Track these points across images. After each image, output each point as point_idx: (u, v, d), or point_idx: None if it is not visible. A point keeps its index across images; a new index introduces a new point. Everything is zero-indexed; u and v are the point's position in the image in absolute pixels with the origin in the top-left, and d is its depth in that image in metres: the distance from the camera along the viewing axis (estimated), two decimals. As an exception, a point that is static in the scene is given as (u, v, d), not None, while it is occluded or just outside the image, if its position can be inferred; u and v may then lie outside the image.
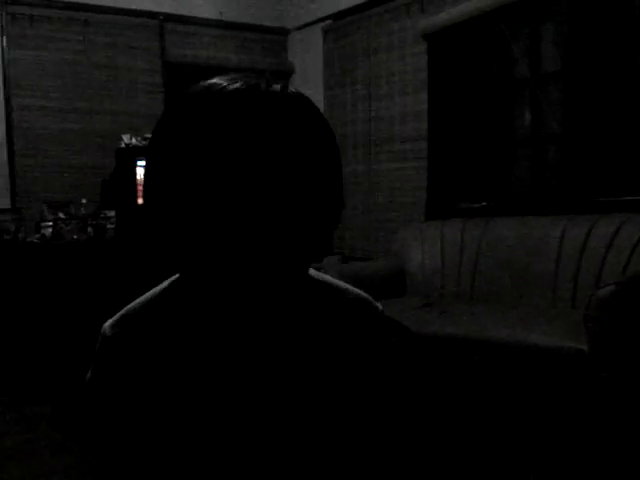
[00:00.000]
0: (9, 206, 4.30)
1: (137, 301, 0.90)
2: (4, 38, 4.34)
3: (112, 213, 4.35)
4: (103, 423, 0.90)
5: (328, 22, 4.94)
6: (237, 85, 0.76)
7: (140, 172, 4.32)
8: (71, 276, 3.94)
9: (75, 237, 4.19)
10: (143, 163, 4.29)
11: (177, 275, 0.90)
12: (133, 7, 4.72)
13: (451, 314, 3.17)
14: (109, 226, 4.30)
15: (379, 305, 0.95)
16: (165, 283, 0.90)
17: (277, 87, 0.76)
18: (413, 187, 4.35)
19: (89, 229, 4.27)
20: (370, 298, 0.95)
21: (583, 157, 3.55)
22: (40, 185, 4.47)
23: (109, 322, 0.90)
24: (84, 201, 4.38)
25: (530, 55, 3.86)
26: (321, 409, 0.88)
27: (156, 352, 0.85)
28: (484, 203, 4.00)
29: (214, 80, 0.78)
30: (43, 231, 4.15)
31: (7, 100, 4.37)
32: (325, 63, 5.00)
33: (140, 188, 4.31)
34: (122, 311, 0.90)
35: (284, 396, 0.86)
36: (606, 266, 3.06)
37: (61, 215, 4.29)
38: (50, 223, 4.19)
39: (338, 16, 4.84)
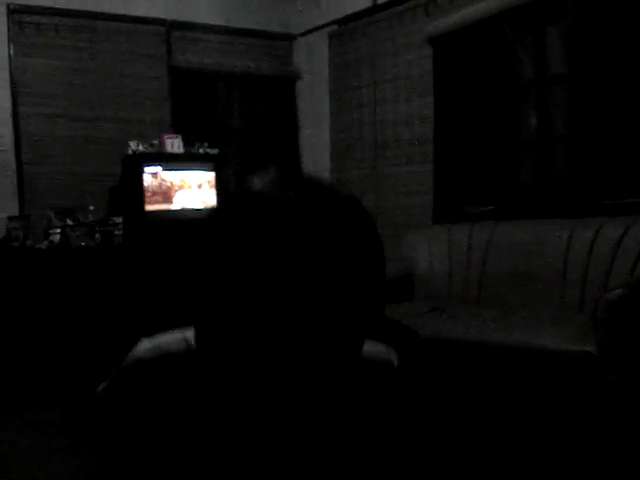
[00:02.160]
0: (17, 213, 4.31)
1: (180, 333, 0.87)
2: (11, 46, 4.37)
3: (119, 220, 4.36)
4: (109, 444, 0.89)
5: (333, 27, 4.95)
6: (279, 196, 0.74)
7: (146, 178, 4.33)
8: (79, 282, 3.96)
9: (83, 244, 4.20)
10: (149, 170, 4.32)
11: None
12: (139, 14, 4.74)
13: (459, 317, 3.17)
14: (116, 232, 4.31)
15: (395, 360, 0.93)
16: None
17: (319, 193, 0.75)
18: (420, 191, 4.35)
19: (97, 235, 4.28)
20: (386, 356, 0.93)
21: (590, 160, 3.53)
22: (48, 192, 4.48)
23: (147, 345, 0.87)
24: (92, 208, 4.39)
25: (535, 58, 3.85)
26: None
27: (185, 394, 0.84)
28: (491, 207, 3.99)
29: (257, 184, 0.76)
30: (51, 238, 4.17)
31: (15, 108, 4.40)
32: (331, 68, 5.01)
33: (147, 194, 4.32)
34: (163, 339, 0.88)
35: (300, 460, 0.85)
36: (614, 269, 3.05)
37: (69, 222, 4.30)
38: (58, 230, 4.20)
39: (343, 21, 4.85)
